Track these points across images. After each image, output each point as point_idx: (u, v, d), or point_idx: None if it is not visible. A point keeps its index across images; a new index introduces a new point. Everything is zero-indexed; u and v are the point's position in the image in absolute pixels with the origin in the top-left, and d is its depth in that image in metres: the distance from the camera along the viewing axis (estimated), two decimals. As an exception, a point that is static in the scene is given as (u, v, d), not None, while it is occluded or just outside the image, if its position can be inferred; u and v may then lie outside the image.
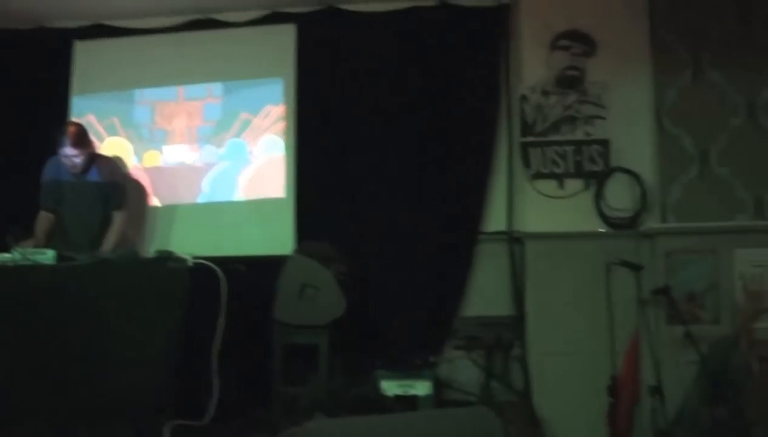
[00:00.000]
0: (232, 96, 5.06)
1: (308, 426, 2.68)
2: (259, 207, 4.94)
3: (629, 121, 4.57)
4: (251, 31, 5.10)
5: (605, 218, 4.45)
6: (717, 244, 4.28)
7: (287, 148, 4.94)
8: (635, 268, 4.17)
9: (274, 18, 5.08)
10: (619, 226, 4.43)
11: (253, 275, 4.25)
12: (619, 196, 4.48)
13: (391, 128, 4.85)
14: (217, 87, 5.08)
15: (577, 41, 4.69)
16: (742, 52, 4.48)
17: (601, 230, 4.45)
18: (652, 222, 4.42)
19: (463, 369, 4.43)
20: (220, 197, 4.98)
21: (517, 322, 4.46)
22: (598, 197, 4.47)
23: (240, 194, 4.99)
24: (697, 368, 3.94)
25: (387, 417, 3.05)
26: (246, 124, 5.03)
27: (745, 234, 4.31)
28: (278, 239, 4.76)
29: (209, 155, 5.03)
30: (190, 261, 3.67)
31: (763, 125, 4.42)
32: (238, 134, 5.02)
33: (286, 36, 4.98)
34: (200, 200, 5.01)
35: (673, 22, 4.56)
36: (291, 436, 2.47)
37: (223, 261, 3.84)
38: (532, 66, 4.71)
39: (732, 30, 4.50)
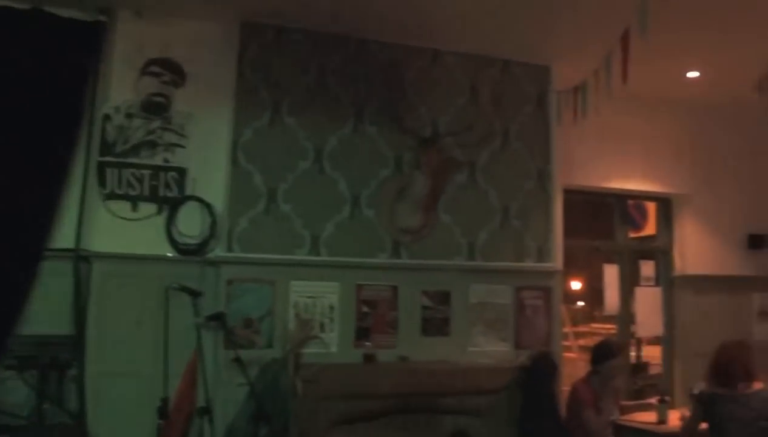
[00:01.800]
0: None
1: None
2: None
3: (207, 153, 5.39)
4: None
5: (175, 244, 5.21)
6: (276, 275, 5.31)
7: None
8: (193, 294, 4.93)
9: None
10: (187, 252, 5.22)
11: None
12: (191, 223, 5.27)
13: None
14: None
15: (168, 70, 5.42)
16: (316, 105, 5.62)
17: (169, 254, 5.20)
18: (219, 251, 5.28)
19: (13, 390, 4.67)
20: None
21: (76, 342, 4.91)
22: (170, 222, 5.22)
23: None
24: (248, 390, 4.87)
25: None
26: None
27: (301, 267, 5.41)
28: None
29: None
30: None
31: (326, 171, 5.60)
32: None
33: None
34: None
35: (260, 67, 5.52)
36: None
37: None
38: (120, 87, 5.30)
39: (309, 84, 5.62)
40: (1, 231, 4.90)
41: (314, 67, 5.70)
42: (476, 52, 6.11)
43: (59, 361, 4.84)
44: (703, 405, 5.11)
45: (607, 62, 4.94)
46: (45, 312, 4.87)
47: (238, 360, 4.85)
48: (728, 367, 5.05)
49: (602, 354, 5.57)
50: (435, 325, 5.75)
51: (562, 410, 5.74)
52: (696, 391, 5.93)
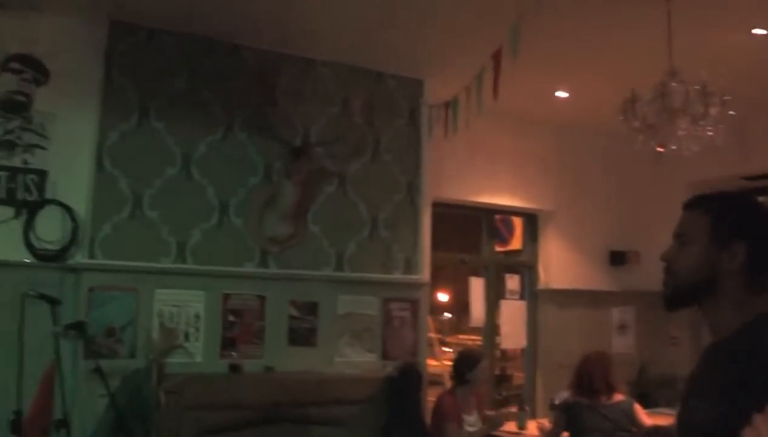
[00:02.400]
0: None
1: None
2: None
3: (70, 155, 5.39)
4: None
5: (33, 250, 5.20)
6: (140, 282, 5.38)
7: None
8: (52, 301, 4.89)
9: None
10: (46, 258, 5.21)
11: None
12: (51, 228, 5.26)
13: None
14: None
15: (30, 67, 5.35)
16: (186, 110, 5.74)
17: (26, 260, 5.19)
18: (80, 257, 5.31)
19: None
20: None
21: None
22: (28, 227, 5.20)
23: None
24: (108, 400, 4.91)
25: None
26: None
27: (166, 275, 5.50)
28: None
29: None
30: None
31: (195, 177, 5.74)
32: None
33: None
34: None
35: (128, 68, 5.58)
36: None
37: None
38: None
39: (179, 88, 5.73)
40: None
41: (185, 71, 5.82)
42: (350, 63, 6.37)
43: None
44: (566, 414, 5.58)
45: (479, 79, 5.26)
46: None
47: (98, 370, 4.88)
48: (590, 378, 5.55)
49: (468, 362, 5.95)
50: (302, 335, 5.97)
51: (427, 421, 6.10)
52: (557, 401, 6.46)
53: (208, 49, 5.92)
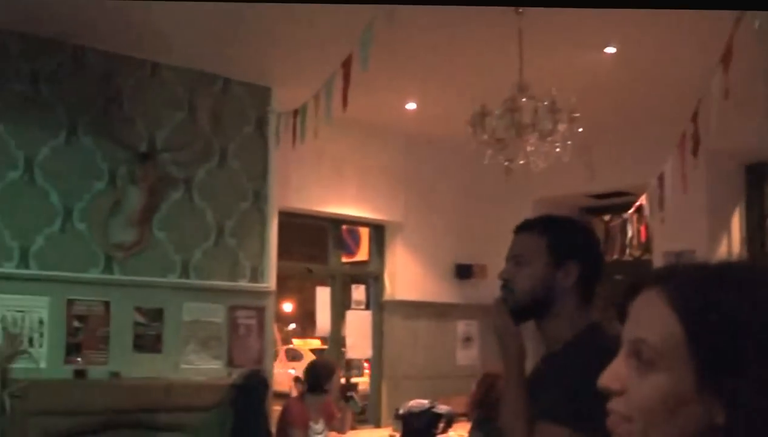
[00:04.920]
0: None
1: None
2: None
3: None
4: None
5: None
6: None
7: None
8: None
9: None
10: None
11: None
12: None
13: None
14: None
15: None
16: (28, 112, 6.37)
17: None
18: None
19: None
20: None
21: None
22: None
23: None
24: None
25: None
26: None
27: (9, 281, 6.19)
28: None
29: None
30: None
31: (37, 181, 6.40)
32: None
33: None
34: None
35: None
36: None
37: None
38: None
39: (21, 89, 6.36)
40: None
41: (26, 72, 6.44)
42: (196, 68, 7.14)
43: None
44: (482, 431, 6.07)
45: (328, 87, 5.88)
46: None
47: (-63, 376, 5.62)
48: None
49: (325, 373, 6.85)
50: (148, 342, 6.78)
51: (273, 428, 7.06)
52: (402, 411, 7.50)
53: (51, 49, 6.55)
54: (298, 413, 6.66)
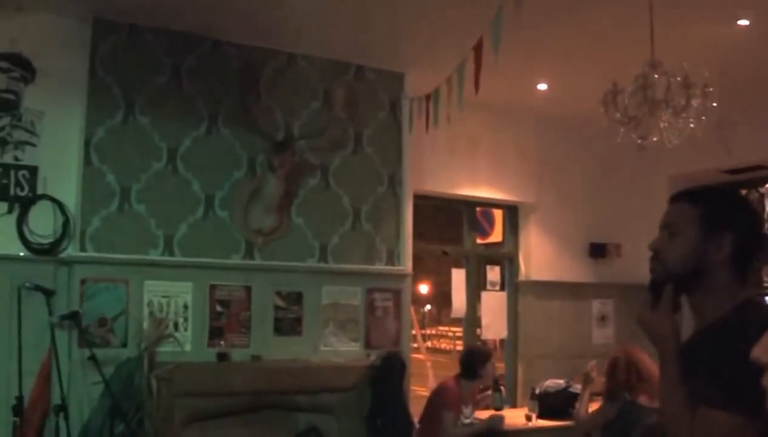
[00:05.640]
0: None
1: None
2: None
3: (59, 151, 5.94)
4: None
5: (27, 243, 5.78)
6: (130, 274, 5.97)
7: None
8: (47, 293, 5.53)
9: None
10: (40, 251, 5.79)
11: None
12: (43, 222, 5.83)
13: None
14: None
15: (17, 65, 5.85)
16: (170, 105, 6.28)
17: (21, 254, 5.77)
18: (71, 250, 5.89)
19: None
20: None
21: None
22: (21, 221, 5.78)
23: None
24: (103, 387, 5.51)
25: None
26: None
27: (155, 267, 6.09)
28: None
29: None
30: None
31: (180, 171, 6.31)
32: None
33: None
34: None
35: (112, 65, 6.09)
36: None
37: None
38: None
39: (163, 84, 6.26)
40: None
41: (168, 67, 6.35)
42: (330, 57, 6.93)
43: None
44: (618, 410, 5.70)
45: (460, 71, 5.67)
46: None
47: (93, 359, 5.47)
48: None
49: (481, 358, 6.68)
50: (287, 325, 6.59)
51: (412, 406, 6.76)
52: (538, 390, 7.15)
53: (191, 44, 6.45)
54: (453, 395, 6.50)
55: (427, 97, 6.43)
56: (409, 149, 7.33)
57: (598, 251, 8.91)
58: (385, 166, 7.22)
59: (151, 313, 6.11)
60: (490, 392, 7.41)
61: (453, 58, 5.67)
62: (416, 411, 6.92)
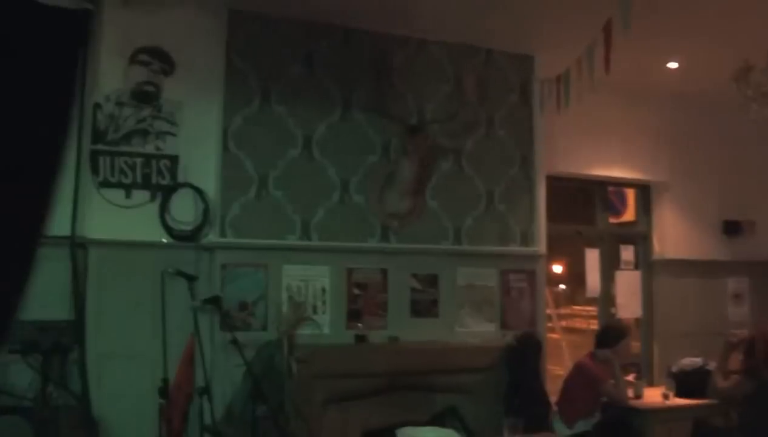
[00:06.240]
0: None
1: None
2: None
3: (198, 140, 5.63)
4: None
5: (169, 230, 5.47)
6: (268, 259, 5.60)
7: None
8: (189, 278, 5.22)
9: None
10: (181, 238, 5.48)
11: None
12: (184, 210, 5.53)
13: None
14: None
15: (157, 58, 5.63)
16: (305, 93, 5.90)
17: (164, 240, 5.46)
18: (212, 236, 5.55)
19: (18, 373, 4.93)
20: None
21: (76, 326, 5.17)
22: (164, 209, 5.47)
23: None
24: (244, 370, 5.14)
25: None
26: None
27: (293, 252, 5.71)
28: None
29: None
30: None
31: (315, 157, 5.90)
32: None
33: None
34: None
35: (248, 57, 5.76)
36: None
37: None
38: (110, 76, 5.48)
39: (297, 72, 5.89)
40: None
41: (302, 56, 5.97)
42: (460, 42, 6.42)
43: (61, 345, 5.07)
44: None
45: (590, 52, 5.20)
46: (45, 298, 5.16)
47: (234, 342, 5.09)
48: None
49: (615, 335, 6.14)
50: (424, 307, 6.10)
51: (548, 386, 6.23)
52: (674, 369, 6.46)
53: (323, 33, 6.05)
54: (598, 371, 6.01)
55: (558, 78, 5.93)
56: (540, 130, 6.76)
57: (732, 228, 8.14)
58: (517, 148, 6.66)
59: (290, 297, 5.72)
60: (632, 377, 6.71)
61: (582, 39, 5.23)
62: (553, 390, 6.39)
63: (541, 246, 6.69)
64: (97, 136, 5.50)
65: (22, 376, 4.96)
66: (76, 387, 5.14)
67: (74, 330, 5.22)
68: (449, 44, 6.44)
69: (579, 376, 6.05)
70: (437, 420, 5.85)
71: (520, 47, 6.61)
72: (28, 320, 5.08)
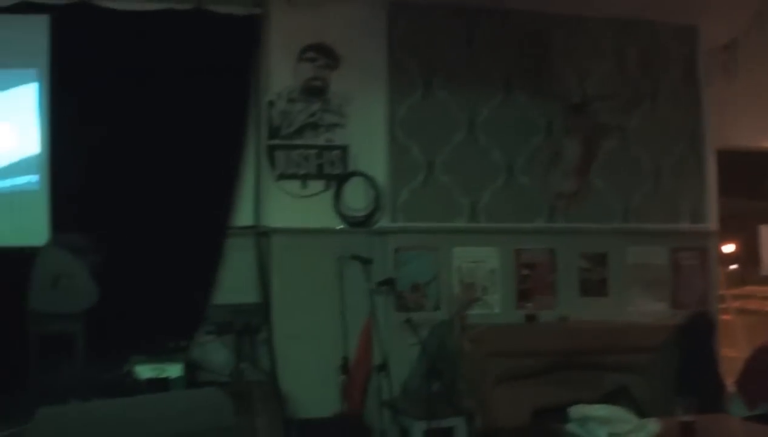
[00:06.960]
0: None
1: (56, 409, 3.18)
2: (9, 198, 5.67)
3: (366, 130, 6.06)
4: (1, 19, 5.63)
5: (343, 217, 5.94)
6: (439, 242, 5.98)
7: (41, 140, 5.68)
8: (365, 262, 5.68)
9: (26, 7, 5.64)
10: (355, 224, 5.94)
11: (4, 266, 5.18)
12: (356, 197, 5.98)
13: (146, 125, 5.70)
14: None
15: (323, 54, 6.08)
16: (466, 78, 6.22)
17: (339, 227, 5.95)
18: (384, 221, 5.97)
19: (215, 352, 5.58)
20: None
21: (263, 309, 5.74)
22: (337, 197, 5.95)
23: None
24: (419, 349, 5.62)
25: (129, 399, 3.90)
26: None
27: (462, 234, 6.06)
28: (31, 229, 5.55)
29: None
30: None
31: (480, 141, 6.22)
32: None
33: (39, 26, 5.66)
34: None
35: (409, 46, 6.12)
36: (39, 417, 2.81)
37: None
38: (280, 74, 5.99)
39: (458, 58, 6.19)
40: (189, 213, 5.75)
41: (462, 41, 6.28)
42: (621, 17, 6.53)
43: (251, 326, 5.68)
44: None
45: (757, 19, 5.27)
46: (236, 283, 5.79)
47: (409, 322, 5.54)
48: None
49: None
50: (593, 286, 6.33)
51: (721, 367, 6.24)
52: None
53: (481, 16, 6.32)
54: None
55: (725, 47, 6.02)
56: (708, 103, 6.77)
57: None
58: (684, 122, 6.72)
59: (460, 279, 6.08)
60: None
61: (747, 6, 5.33)
62: (726, 372, 6.35)
63: (713, 223, 6.73)
64: (273, 131, 6.03)
65: (219, 354, 5.61)
66: (265, 365, 5.72)
67: (262, 312, 5.80)
68: (609, 20, 6.56)
69: (762, 361, 6.02)
70: (608, 400, 5.96)
71: (683, 18, 6.64)
72: (221, 304, 5.72)
